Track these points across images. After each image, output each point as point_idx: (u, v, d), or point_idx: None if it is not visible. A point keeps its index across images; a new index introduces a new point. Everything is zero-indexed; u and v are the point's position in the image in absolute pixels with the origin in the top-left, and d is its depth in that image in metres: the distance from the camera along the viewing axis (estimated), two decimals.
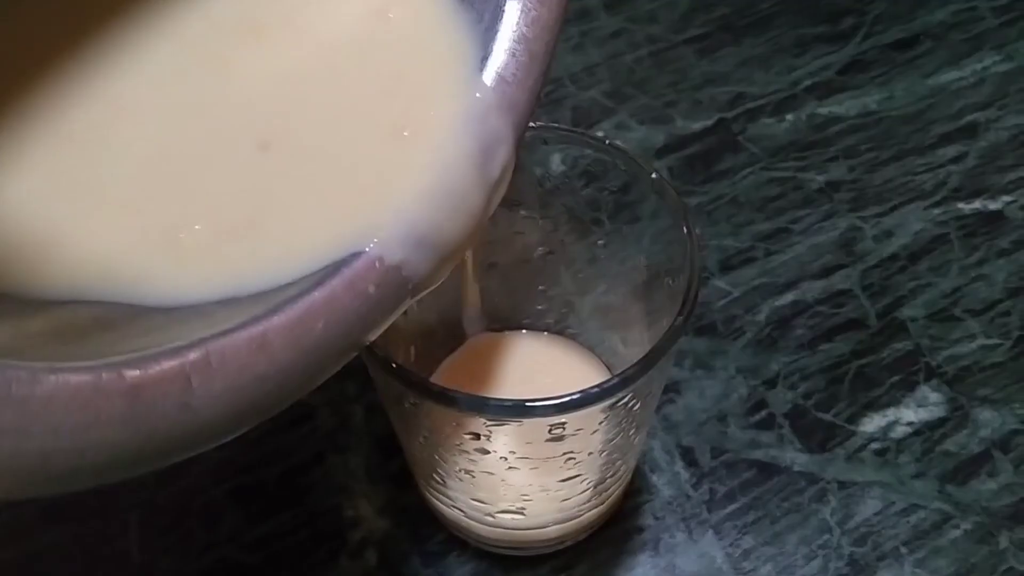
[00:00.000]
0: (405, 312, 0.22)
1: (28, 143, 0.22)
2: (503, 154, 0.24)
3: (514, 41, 0.24)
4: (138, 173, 0.22)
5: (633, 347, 0.37)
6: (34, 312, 0.20)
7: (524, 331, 0.40)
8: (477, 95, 0.24)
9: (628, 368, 0.27)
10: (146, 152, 0.22)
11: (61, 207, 0.21)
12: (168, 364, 0.17)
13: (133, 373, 0.16)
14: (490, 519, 0.35)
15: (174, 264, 0.21)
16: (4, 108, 0.22)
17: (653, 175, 0.32)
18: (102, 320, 0.20)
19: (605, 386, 0.27)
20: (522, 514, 0.34)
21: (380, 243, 0.21)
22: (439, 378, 0.39)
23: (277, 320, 0.19)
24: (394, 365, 0.27)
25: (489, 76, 0.24)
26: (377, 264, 0.21)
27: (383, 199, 0.22)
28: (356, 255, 0.21)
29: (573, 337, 0.40)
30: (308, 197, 0.22)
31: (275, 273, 0.21)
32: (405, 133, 0.23)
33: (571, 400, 0.27)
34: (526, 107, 0.24)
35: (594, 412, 0.28)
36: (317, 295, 0.20)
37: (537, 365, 0.39)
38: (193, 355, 0.17)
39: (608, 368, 0.39)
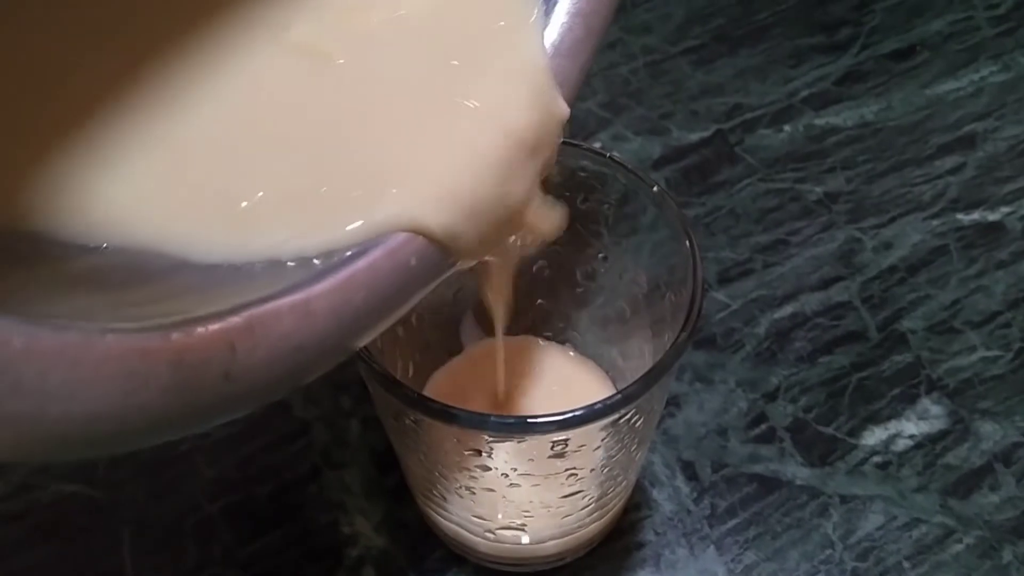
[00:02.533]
0: (403, 325, 0.22)
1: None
2: (551, 129, 0.23)
3: (572, 14, 0.24)
4: (208, 141, 0.22)
5: (632, 360, 0.36)
6: (74, 256, 0.20)
7: (521, 336, 0.40)
8: (531, 67, 0.23)
9: (630, 384, 0.27)
10: (217, 121, 0.22)
11: (129, 159, 0.21)
12: (213, 329, 0.17)
13: (179, 339, 0.16)
14: (490, 535, 0.34)
15: (226, 223, 0.21)
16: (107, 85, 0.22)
17: (654, 188, 0.32)
18: (141, 271, 0.20)
19: (608, 402, 0.26)
20: (523, 530, 0.33)
21: (423, 214, 0.21)
22: (435, 384, 0.38)
23: (319, 288, 0.19)
24: (394, 381, 0.27)
25: (545, 47, 0.24)
26: (419, 236, 0.21)
27: (429, 171, 0.22)
28: (399, 225, 0.21)
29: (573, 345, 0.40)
30: (364, 167, 0.22)
31: (322, 240, 0.21)
32: (463, 102, 0.23)
33: (574, 417, 0.26)
34: (576, 81, 0.24)
35: (596, 428, 0.28)
36: (360, 264, 0.20)
37: (536, 373, 0.39)
38: (237, 321, 0.17)
39: (607, 374, 0.39)
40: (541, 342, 0.40)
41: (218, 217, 0.21)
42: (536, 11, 0.24)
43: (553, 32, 0.24)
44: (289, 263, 0.20)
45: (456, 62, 0.23)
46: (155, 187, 0.21)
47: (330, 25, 0.24)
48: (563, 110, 0.24)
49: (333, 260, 0.20)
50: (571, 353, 0.39)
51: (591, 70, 0.25)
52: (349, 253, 0.20)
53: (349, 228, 0.21)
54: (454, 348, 0.39)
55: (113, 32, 0.23)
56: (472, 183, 0.22)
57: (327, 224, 0.21)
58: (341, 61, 0.23)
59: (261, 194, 0.21)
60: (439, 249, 0.21)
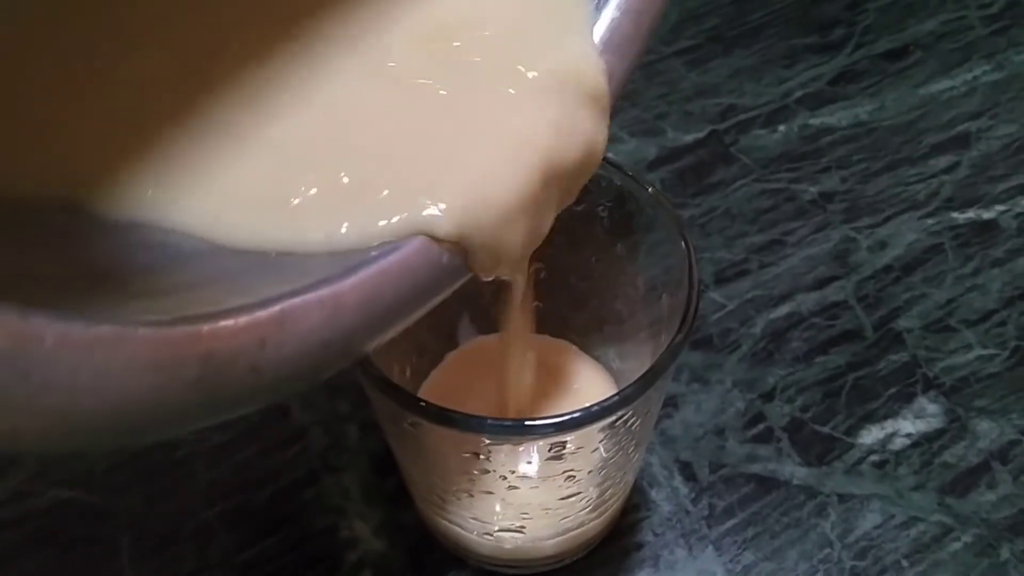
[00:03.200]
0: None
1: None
2: (590, 167, 0.24)
3: (621, 11, 0.24)
4: (275, 139, 0.22)
5: (630, 361, 0.36)
6: (101, 233, 0.20)
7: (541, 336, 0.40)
8: (581, 64, 0.23)
9: (628, 386, 0.27)
10: (290, 125, 0.22)
11: (192, 143, 0.21)
12: (244, 324, 0.17)
13: (210, 334, 0.16)
14: (489, 537, 0.34)
15: (272, 214, 0.21)
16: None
17: (650, 190, 0.32)
18: (169, 253, 0.20)
19: (605, 404, 0.26)
20: (521, 532, 0.33)
21: (452, 213, 0.21)
22: (433, 383, 0.38)
23: (349, 282, 0.19)
24: (392, 385, 0.27)
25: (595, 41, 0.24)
26: (447, 235, 0.21)
27: (463, 168, 0.22)
28: (432, 223, 0.21)
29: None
30: (409, 172, 0.22)
31: (353, 239, 0.21)
32: (511, 90, 0.23)
33: (571, 419, 0.26)
34: (622, 79, 0.24)
35: (594, 431, 0.28)
36: (392, 259, 0.20)
37: (533, 369, 0.39)
38: (268, 316, 0.17)
39: (606, 369, 0.39)
40: (563, 343, 0.40)
41: (265, 207, 0.21)
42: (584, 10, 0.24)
43: (602, 27, 0.24)
44: (318, 257, 0.20)
45: (521, 77, 0.24)
46: (212, 170, 0.21)
47: (422, 49, 0.24)
48: (602, 147, 0.24)
49: (360, 257, 0.20)
50: (578, 352, 0.39)
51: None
52: (374, 253, 0.20)
53: (380, 225, 0.21)
54: (450, 348, 0.39)
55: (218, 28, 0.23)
56: (504, 197, 0.22)
57: (361, 222, 0.21)
58: (443, 93, 0.23)
59: (313, 191, 0.21)
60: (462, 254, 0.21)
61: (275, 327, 0.17)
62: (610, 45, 0.24)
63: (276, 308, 0.17)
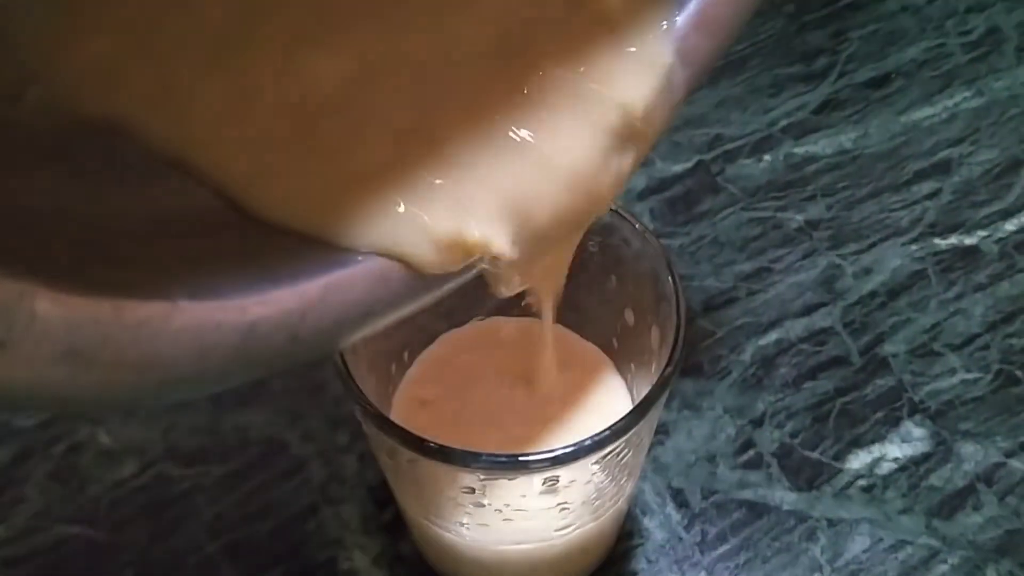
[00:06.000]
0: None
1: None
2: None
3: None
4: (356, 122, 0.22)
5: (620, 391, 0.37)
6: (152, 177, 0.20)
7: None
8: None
9: (619, 420, 0.28)
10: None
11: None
12: (288, 299, 0.18)
13: (255, 310, 0.17)
14: (485, 569, 0.35)
15: (333, 196, 0.21)
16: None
17: (636, 226, 0.33)
18: (204, 212, 0.20)
19: (597, 438, 0.27)
20: (518, 563, 0.34)
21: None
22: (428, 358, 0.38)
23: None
24: (388, 422, 0.28)
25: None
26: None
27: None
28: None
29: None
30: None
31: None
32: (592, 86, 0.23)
33: (564, 454, 0.27)
34: (705, 60, 0.25)
35: (587, 463, 0.29)
36: None
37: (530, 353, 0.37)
38: (313, 288, 0.18)
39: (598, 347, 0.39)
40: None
41: (324, 187, 0.21)
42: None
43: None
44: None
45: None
46: (274, 136, 0.21)
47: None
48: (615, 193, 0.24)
49: None
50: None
51: None
52: None
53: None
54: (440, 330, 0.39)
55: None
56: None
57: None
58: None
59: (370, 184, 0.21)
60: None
61: (318, 302, 0.18)
62: (700, 23, 0.24)
63: (321, 282, 0.18)
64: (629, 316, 0.35)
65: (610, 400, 0.37)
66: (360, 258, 0.19)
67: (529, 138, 0.22)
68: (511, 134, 0.22)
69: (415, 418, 0.36)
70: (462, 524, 0.32)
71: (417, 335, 0.38)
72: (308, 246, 0.20)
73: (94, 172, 0.19)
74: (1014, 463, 0.41)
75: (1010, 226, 0.49)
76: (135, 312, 0.15)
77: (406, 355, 0.37)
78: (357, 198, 0.20)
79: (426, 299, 0.21)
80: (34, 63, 0.18)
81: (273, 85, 0.20)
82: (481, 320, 0.39)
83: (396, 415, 0.36)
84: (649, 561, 0.39)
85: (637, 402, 0.28)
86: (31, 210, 0.17)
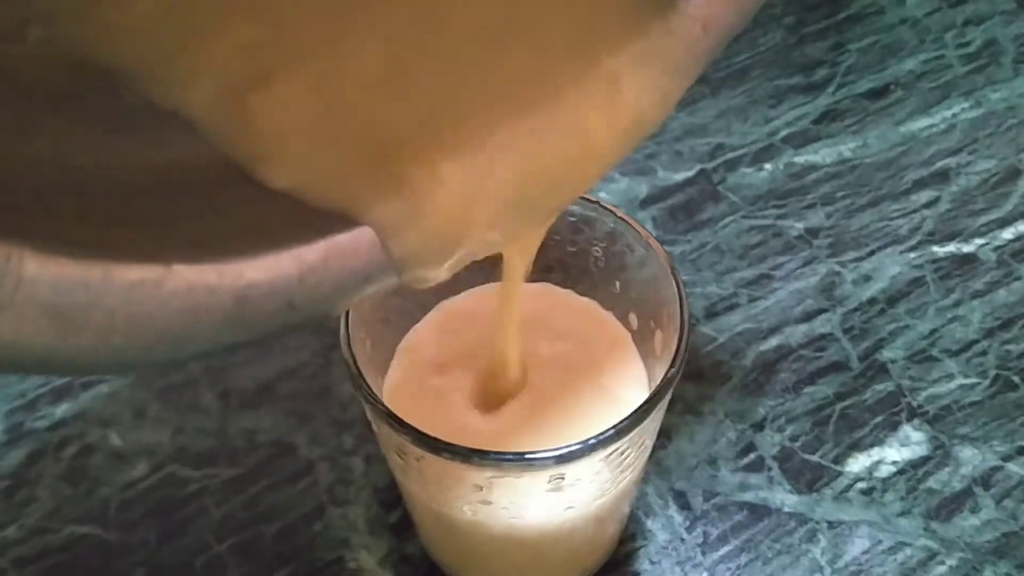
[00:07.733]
0: None
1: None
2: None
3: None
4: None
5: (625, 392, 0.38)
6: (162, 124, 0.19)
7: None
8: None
9: (623, 420, 0.28)
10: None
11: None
12: (284, 263, 0.17)
13: (249, 275, 0.16)
14: (493, 567, 0.35)
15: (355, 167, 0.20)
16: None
17: (640, 232, 0.33)
18: (205, 168, 0.19)
19: (602, 436, 0.28)
20: (524, 562, 0.35)
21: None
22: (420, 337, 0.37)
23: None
24: (400, 421, 0.28)
25: None
26: None
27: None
28: None
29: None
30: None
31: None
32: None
33: (570, 452, 0.28)
34: (725, 29, 0.23)
35: (591, 462, 0.29)
36: None
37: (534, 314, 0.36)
38: (312, 253, 0.17)
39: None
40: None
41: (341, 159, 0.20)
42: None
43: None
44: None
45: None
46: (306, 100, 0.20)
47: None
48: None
49: None
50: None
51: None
52: None
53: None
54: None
55: None
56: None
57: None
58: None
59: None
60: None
61: (318, 265, 0.17)
62: None
63: (321, 249, 0.17)
64: (633, 320, 0.36)
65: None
66: (361, 226, 0.19)
67: (546, 119, 0.22)
68: (529, 112, 0.21)
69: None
70: (468, 521, 0.32)
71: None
72: (308, 211, 0.19)
73: (94, 117, 0.19)
74: (1011, 467, 0.42)
75: (1007, 234, 0.50)
76: (126, 275, 0.15)
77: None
78: (368, 171, 0.20)
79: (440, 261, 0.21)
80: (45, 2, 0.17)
81: (298, 52, 0.19)
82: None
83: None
84: (652, 562, 0.40)
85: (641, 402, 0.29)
86: (29, 159, 0.17)
